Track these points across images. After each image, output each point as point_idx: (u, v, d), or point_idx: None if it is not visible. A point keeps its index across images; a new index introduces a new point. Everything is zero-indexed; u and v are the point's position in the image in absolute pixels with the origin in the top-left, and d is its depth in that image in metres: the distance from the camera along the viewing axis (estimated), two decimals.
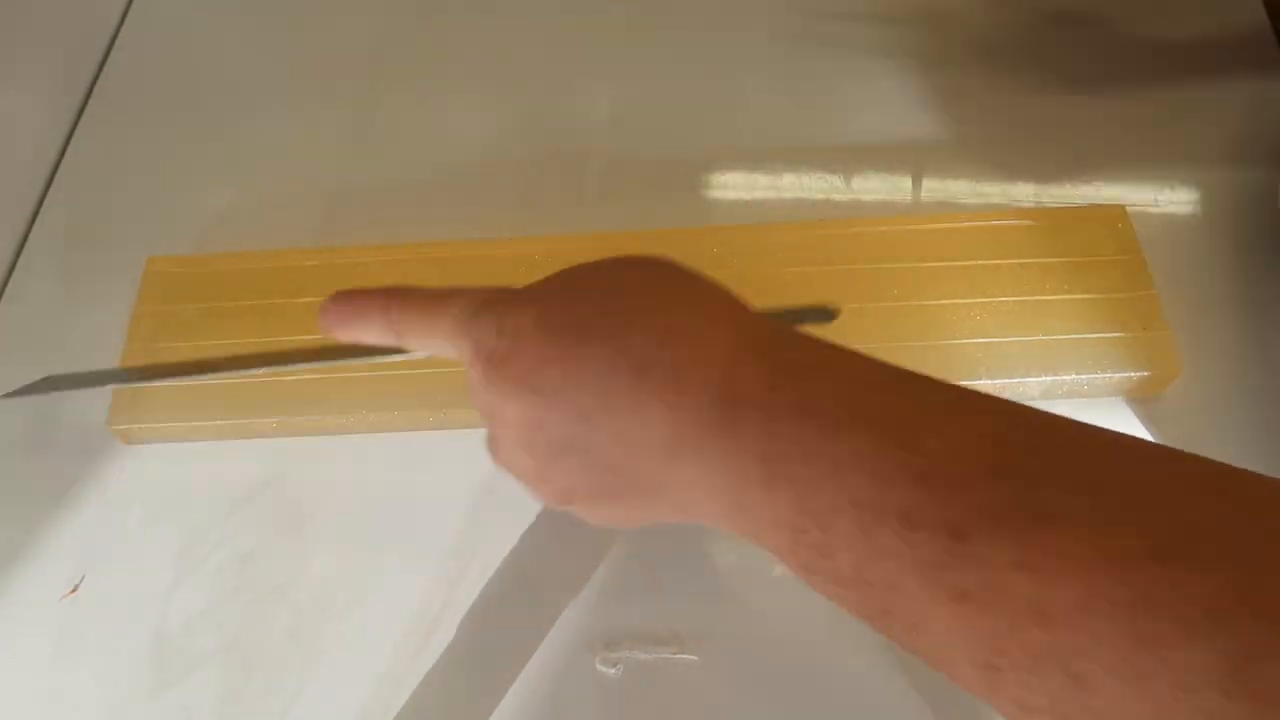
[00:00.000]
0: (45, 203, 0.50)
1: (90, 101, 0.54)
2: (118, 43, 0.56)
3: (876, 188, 0.47)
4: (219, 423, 0.41)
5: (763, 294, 0.28)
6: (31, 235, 0.49)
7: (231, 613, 0.38)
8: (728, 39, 0.53)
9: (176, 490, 0.41)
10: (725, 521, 0.24)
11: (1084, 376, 0.40)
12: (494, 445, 0.28)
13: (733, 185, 0.49)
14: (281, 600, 0.38)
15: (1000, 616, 0.19)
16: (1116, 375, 0.40)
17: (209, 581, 0.39)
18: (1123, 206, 0.43)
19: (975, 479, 0.20)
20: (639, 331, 0.24)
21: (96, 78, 0.55)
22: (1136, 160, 0.47)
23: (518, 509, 0.39)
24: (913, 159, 0.48)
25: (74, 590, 0.39)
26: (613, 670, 0.36)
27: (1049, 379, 0.40)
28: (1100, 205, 0.44)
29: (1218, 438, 0.40)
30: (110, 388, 0.41)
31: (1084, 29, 0.51)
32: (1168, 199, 0.46)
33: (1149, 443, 0.21)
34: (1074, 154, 0.47)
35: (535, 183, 0.49)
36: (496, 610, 0.38)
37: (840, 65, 0.51)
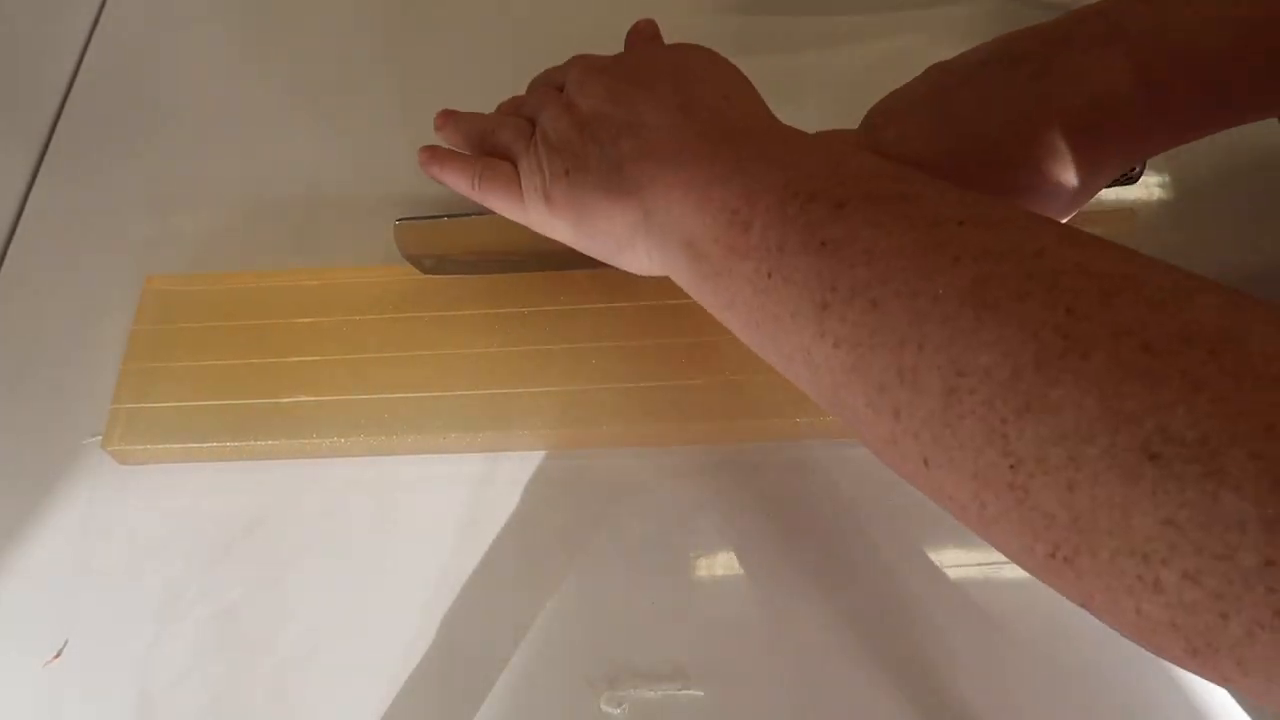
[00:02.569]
0: (18, 230, 0.49)
1: (56, 130, 0.53)
2: (83, 67, 0.55)
3: None
4: (215, 444, 0.40)
5: None
6: (7, 261, 0.49)
7: (215, 670, 0.37)
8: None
9: (158, 536, 0.40)
10: (678, 228, 0.31)
11: None
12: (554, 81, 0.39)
13: None
14: (264, 653, 0.37)
15: (842, 258, 0.26)
16: None
17: (191, 638, 0.38)
18: (1131, 209, 0.43)
19: (869, 178, 0.28)
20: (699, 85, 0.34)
21: (63, 104, 0.54)
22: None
23: (501, 540, 0.39)
24: None
25: (57, 656, 0.38)
26: (617, 710, 0.35)
27: None
28: (1107, 209, 0.43)
29: None
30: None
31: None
32: (1158, 197, 0.45)
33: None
34: None
35: None
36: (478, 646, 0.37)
37: (826, 60, 0.50)
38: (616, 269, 0.35)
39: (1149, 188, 0.47)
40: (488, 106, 0.52)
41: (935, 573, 0.37)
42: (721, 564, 0.38)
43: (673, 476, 0.40)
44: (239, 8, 0.57)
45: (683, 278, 0.32)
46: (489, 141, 0.39)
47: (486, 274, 0.43)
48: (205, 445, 0.40)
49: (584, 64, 0.37)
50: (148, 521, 0.41)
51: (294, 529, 0.40)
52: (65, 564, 0.40)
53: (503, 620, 0.37)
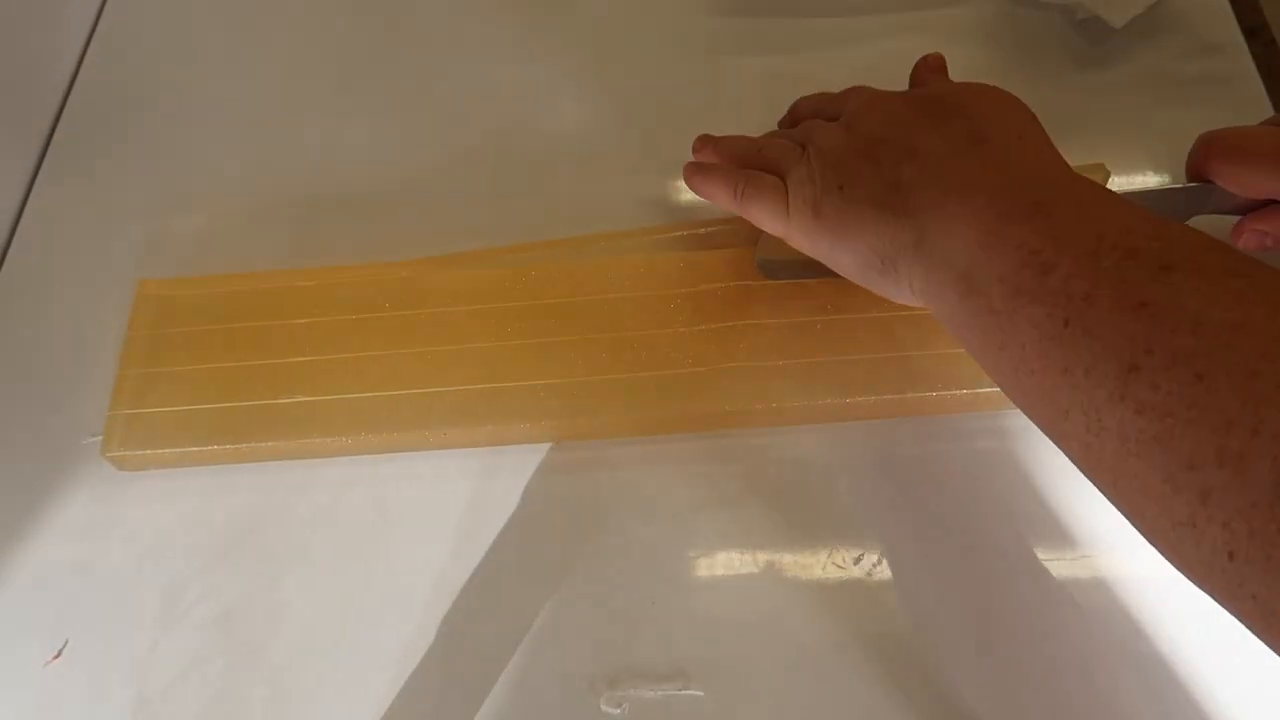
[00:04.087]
0: (15, 237, 0.49)
1: (56, 133, 0.53)
2: (80, 73, 0.55)
3: None
4: (215, 448, 0.40)
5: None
6: (7, 261, 0.49)
7: (215, 670, 0.37)
8: (686, 41, 0.52)
9: (158, 543, 0.40)
10: (956, 258, 0.30)
11: None
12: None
13: None
14: (264, 653, 0.37)
15: (1163, 323, 0.24)
16: None
17: (191, 638, 0.38)
18: (1102, 164, 0.43)
19: (1195, 248, 0.26)
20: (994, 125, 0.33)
21: (62, 107, 0.53)
22: (1120, 155, 0.46)
23: (501, 540, 0.39)
24: None
25: (57, 656, 0.37)
26: (617, 710, 0.35)
27: None
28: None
29: None
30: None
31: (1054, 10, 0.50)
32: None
33: None
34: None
35: (508, 187, 0.48)
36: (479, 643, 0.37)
37: (826, 60, 0.50)
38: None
39: (1148, 188, 0.47)
40: (488, 108, 0.52)
41: (936, 571, 0.37)
42: (721, 564, 0.38)
43: (673, 469, 0.40)
44: (238, 8, 0.57)
45: (947, 311, 0.31)
46: (755, 158, 0.38)
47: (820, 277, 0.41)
48: (205, 449, 0.40)
49: (868, 93, 0.37)
50: (148, 522, 0.41)
51: (293, 529, 0.40)
52: (65, 564, 0.40)
53: (503, 620, 0.37)
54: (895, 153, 0.33)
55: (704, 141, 0.42)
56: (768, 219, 0.37)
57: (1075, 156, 0.46)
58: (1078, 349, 0.26)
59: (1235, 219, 0.39)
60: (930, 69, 0.40)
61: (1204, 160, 0.37)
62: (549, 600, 0.38)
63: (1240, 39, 0.48)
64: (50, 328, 0.46)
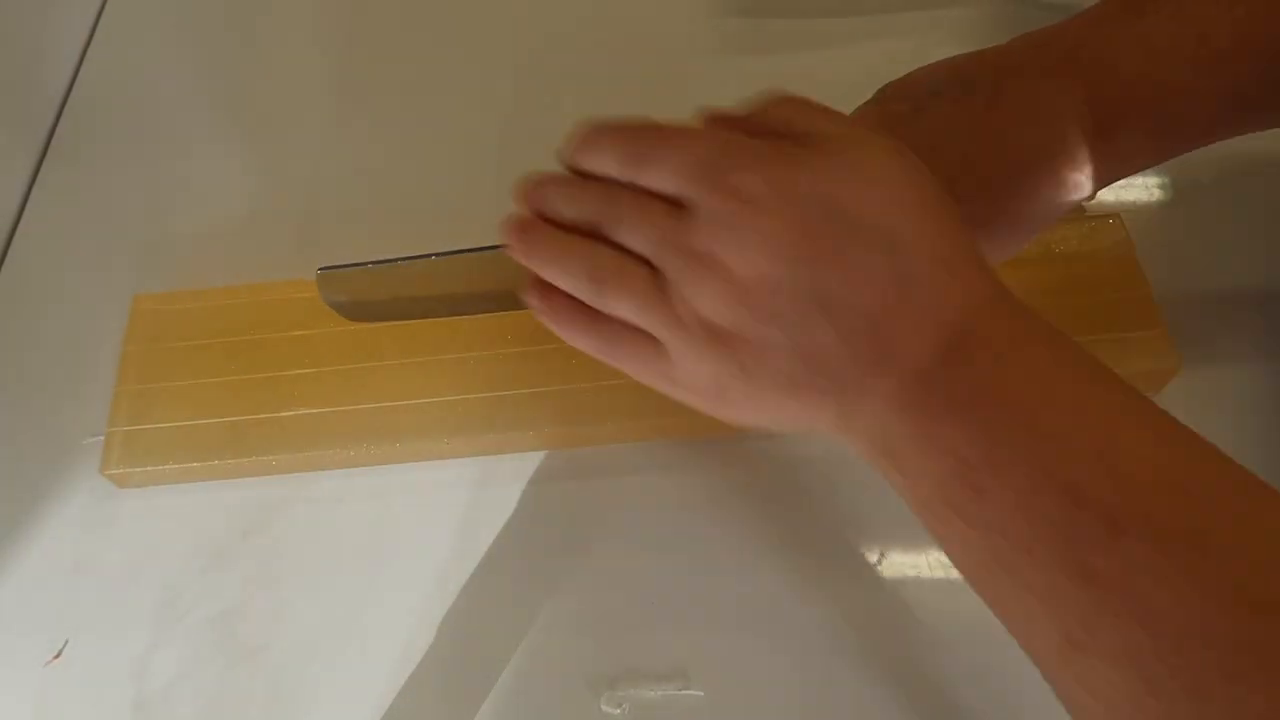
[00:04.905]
0: (13, 246, 0.49)
1: (52, 141, 0.53)
2: (77, 83, 0.55)
3: None
4: (215, 463, 0.40)
5: None
6: (6, 265, 0.49)
7: (214, 670, 0.37)
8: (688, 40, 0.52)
9: (158, 543, 0.40)
10: (885, 442, 0.26)
11: None
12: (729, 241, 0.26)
13: None
14: (263, 654, 0.37)
15: (1107, 606, 0.21)
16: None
17: (190, 639, 0.38)
18: (1118, 214, 0.43)
19: (1152, 487, 0.22)
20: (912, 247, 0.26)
21: (58, 117, 0.53)
22: None
23: (501, 541, 0.39)
24: None
25: (57, 656, 0.37)
26: (617, 710, 0.35)
27: None
28: (1094, 217, 0.44)
29: (1217, 436, 0.40)
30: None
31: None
32: (1157, 196, 0.46)
33: None
34: None
35: (508, 193, 0.48)
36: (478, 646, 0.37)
37: (826, 61, 0.50)
38: None
39: (1148, 189, 0.47)
40: (487, 113, 0.51)
41: (937, 572, 0.37)
42: (722, 563, 0.38)
43: (673, 473, 0.40)
44: (237, 13, 0.57)
45: (881, 472, 0.27)
46: (603, 308, 0.29)
47: (415, 319, 0.38)
48: (203, 464, 0.40)
49: (724, 189, 0.26)
50: (148, 523, 0.41)
51: (294, 530, 0.40)
52: (65, 565, 0.40)
53: (503, 620, 0.37)
54: (797, 308, 0.25)
55: (520, 236, 0.30)
56: (651, 383, 0.30)
57: None
58: (1014, 597, 0.24)
59: None
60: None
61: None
62: (549, 601, 0.38)
63: None
64: (50, 328, 0.46)
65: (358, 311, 0.38)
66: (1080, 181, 0.32)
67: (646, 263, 0.28)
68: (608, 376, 0.40)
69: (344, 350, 0.42)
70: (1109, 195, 0.45)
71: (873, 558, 0.37)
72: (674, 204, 0.27)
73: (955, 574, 0.36)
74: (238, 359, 0.42)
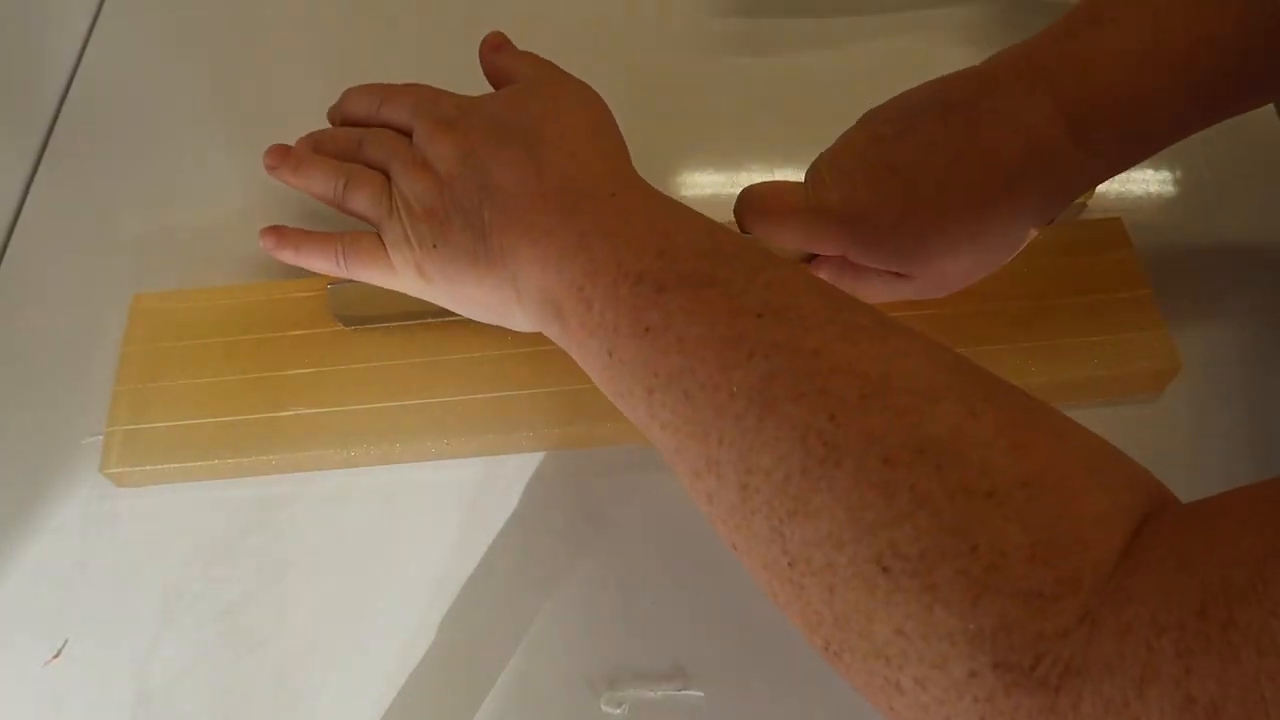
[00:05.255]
0: (11, 245, 0.49)
1: (50, 140, 0.53)
2: (75, 82, 0.55)
3: None
4: (214, 463, 0.40)
5: None
6: (6, 261, 0.49)
7: (214, 670, 0.37)
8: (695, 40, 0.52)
9: (158, 542, 0.40)
10: (545, 299, 0.32)
11: (1083, 376, 0.40)
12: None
13: (711, 186, 0.49)
14: (264, 653, 0.37)
15: (659, 346, 0.27)
16: (1115, 374, 0.40)
17: (191, 639, 0.38)
18: (1118, 214, 0.43)
19: (689, 257, 0.29)
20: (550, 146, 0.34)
21: (56, 116, 0.53)
22: None
23: (501, 541, 0.39)
24: None
25: (57, 655, 0.37)
26: (617, 710, 0.35)
27: (1047, 381, 0.40)
28: (1095, 219, 0.44)
29: (1217, 435, 0.40)
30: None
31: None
32: (1157, 195, 0.45)
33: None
34: None
35: None
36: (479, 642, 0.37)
37: (826, 61, 0.50)
38: None
39: (1148, 189, 0.47)
40: None
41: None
42: (721, 564, 0.38)
43: (672, 474, 0.40)
44: (237, 12, 0.57)
45: (556, 341, 0.33)
46: (344, 204, 0.37)
47: (408, 324, 0.42)
48: (203, 464, 0.40)
49: (430, 111, 0.36)
50: (148, 521, 0.41)
51: (295, 527, 0.40)
52: (65, 564, 0.40)
53: (503, 620, 0.37)
54: (472, 192, 0.33)
55: (278, 157, 0.39)
56: (379, 279, 0.37)
57: None
58: (620, 375, 0.29)
59: None
60: (490, 47, 0.39)
61: (738, 217, 0.38)
62: (549, 601, 0.38)
63: None
64: (50, 327, 0.46)
65: (366, 325, 0.41)
66: (1060, 189, 0.35)
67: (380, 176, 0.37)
68: None
69: (344, 350, 0.42)
70: (1109, 196, 0.45)
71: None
72: (403, 134, 0.37)
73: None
74: (238, 358, 0.42)
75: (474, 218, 0.33)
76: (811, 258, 0.37)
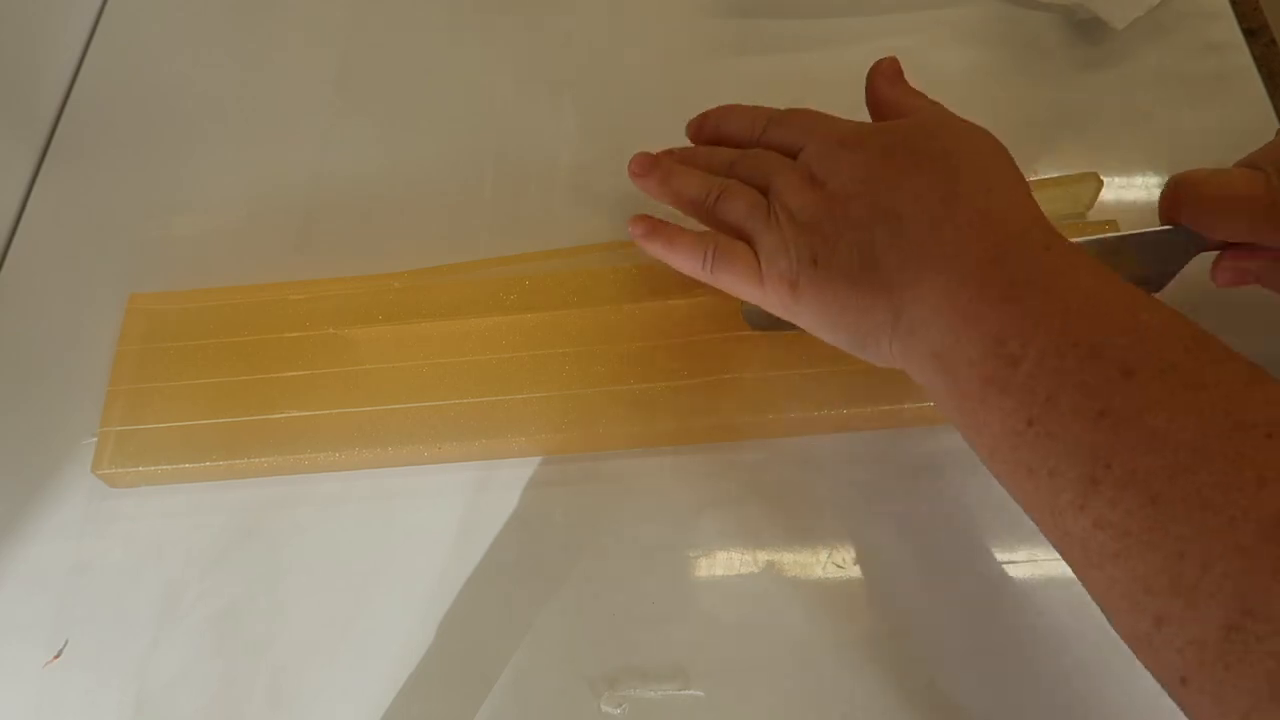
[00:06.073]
0: (14, 244, 0.49)
1: (53, 141, 0.53)
2: (77, 83, 0.55)
3: None
4: (207, 464, 0.40)
5: None
6: (6, 264, 0.49)
7: (214, 670, 0.37)
8: (692, 43, 0.52)
9: (157, 543, 0.40)
10: (928, 338, 0.30)
11: None
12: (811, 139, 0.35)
13: None
14: (263, 653, 0.38)
15: (1123, 438, 0.24)
16: None
17: (191, 639, 0.38)
18: (1114, 219, 0.43)
19: (1163, 342, 0.26)
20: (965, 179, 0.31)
21: (59, 117, 0.53)
22: (1120, 156, 0.46)
23: (501, 541, 0.39)
24: None
25: (57, 656, 0.38)
26: (617, 710, 0.35)
27: None
28: (1091, 223, 0.43)
29: None
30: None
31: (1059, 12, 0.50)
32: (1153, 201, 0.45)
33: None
34: (1054, 149, 0.46)
35: (508, 197, 0.48)
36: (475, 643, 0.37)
37: (826, 61, 0.50)
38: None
39: (1147, 192, 0.47)
40: (484, 116, 0.51)
41: (937, 572, 0.37)
42: (721, 564, 0.38)
43: (671, 476, 0.40)
44: (238, 13, 0.57)
45: (925, 382, 0.31)
46: (715, 212, 0.36)
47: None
48: (197, 466, 0.40)
49: (825, 132, 0.35)
50: (147, 521, 0.41)
51: (294, 528, 0.40)
52: (65, 564, 0.40)
53: (502, 620, 0.37)
54: (868, 214, 0.32)
55: (647, 167, 0.38)
56: (741, 290, 0.35)
57: (1075, 158, 0.46)
58: (1040, 450, 0.26)
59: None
60: (886, 78, 0.37)
61: (1173, 206, 0.35)
62: (549, 601, 0.38)
63: (1240, 39, 0.48)
64: (49, 327, 0.46)
65: (773, 330, 0.39)
66: None
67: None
68: (608, 382, 0.40)
69: (339, 353, 0.41)
70: (1108, 199, 0.45)
71: (872, 557, 0.37)
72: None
73: (955, 575, 0.37)
74: (232, 360, 0.42)
75: (865, 240, 0.31)
76: (1226, 246, 0.36)
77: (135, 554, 0.40)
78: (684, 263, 0.36)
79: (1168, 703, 0.26)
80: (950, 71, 0.49)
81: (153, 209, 0.49)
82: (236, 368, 0.41)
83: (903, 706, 0.35)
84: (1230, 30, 0.49)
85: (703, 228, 0.37)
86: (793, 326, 0.36)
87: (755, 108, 0.39)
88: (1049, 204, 0.33)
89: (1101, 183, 0.43)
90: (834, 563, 0.37)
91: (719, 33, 0.53)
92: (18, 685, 0.37)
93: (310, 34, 0.56)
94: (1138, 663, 0.34)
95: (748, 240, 0.35)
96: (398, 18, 0.55)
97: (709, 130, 0.40)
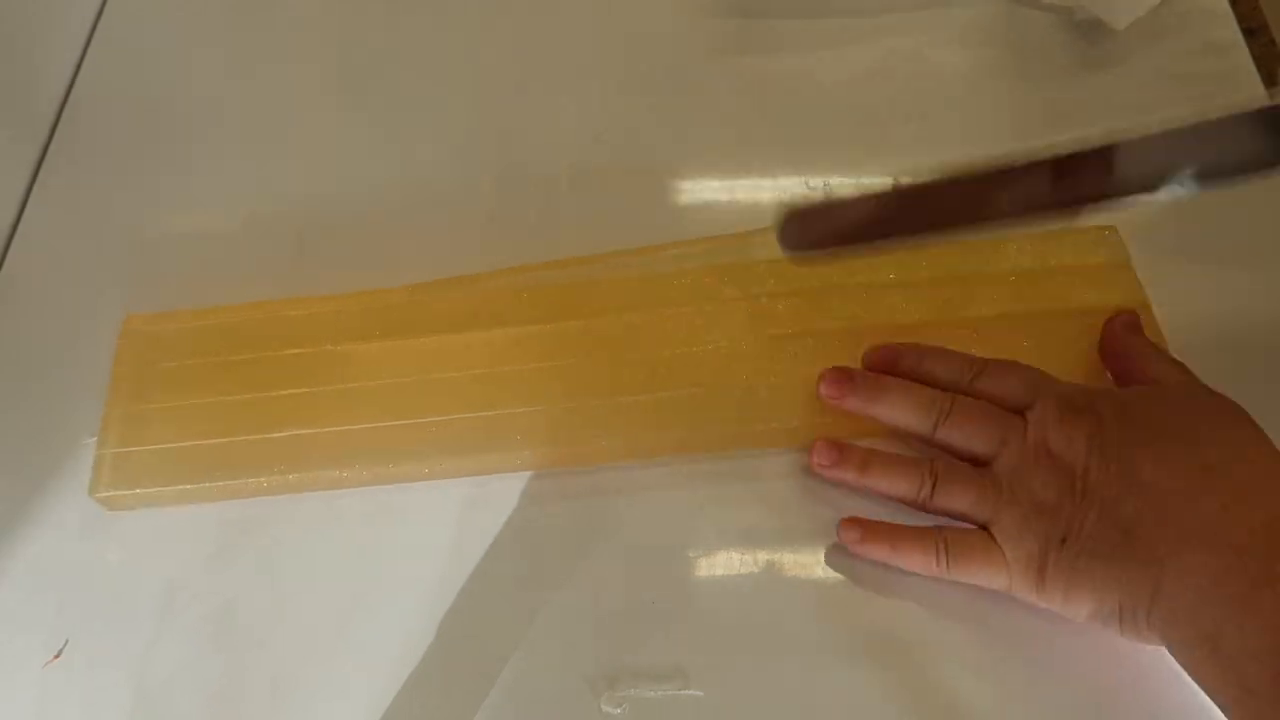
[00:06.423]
0: (13, 244, 0.49)
1: (52, 142, 0.52)
2: (77, 84, 0.55)
3: None
4: (207, 485, 0.40)
5: None
6: (6, 266, 0.48)
7: (214, 670, 0.37)
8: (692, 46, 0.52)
9: (158, 543, 0.40)
10: (1199, 620, 0.28)
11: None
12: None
13: (712, 192, 0.48)
14: (263, 653, 0.37)
15: None
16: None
17: (191, 639, 0.38)
18: (1113, 225, 0.42)
19: None
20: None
21: (58, 118, 0.53)
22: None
23: (501, 542, 0.39)
24: (895, 168, 0.47)
25: (57, 656, 0.37)
26: (617, 710, 0.35)
27: None
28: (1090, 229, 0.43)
29: None
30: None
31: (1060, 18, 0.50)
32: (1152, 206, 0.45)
33: None
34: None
35: (508, 202, 0.48)
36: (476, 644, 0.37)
37: (826, 61, 0.50)
38: None
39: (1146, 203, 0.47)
40: (487, 117, 0.51)
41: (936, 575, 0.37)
42: (721, 564, 0.38)
43: (671, 482, 0.40)
44: (238, 18, 0.57)
45: (1188, 663, 0.29)
46: (935, 504, 0.35)
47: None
48: (195, 487, 0.40)
49: (1057, 395, 0.33)
50: (147, 521, 0.41)
51: (294, 528, 0.40)
52: (64, 564, 0.40)
53: (502, 619, 0.37)
54: (1115, 487, 0.31)
55: (840, 457, 0.36)
56: (984, 578, 0.34)
57: None
58: None
59: None
60: (1128, 329, 0.36)
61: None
62: (548, 600, 0.38)
63: (1240, 39, 0.48)
64: (48, 327, 0.46)
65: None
66: None
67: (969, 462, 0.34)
68: (604, 395, 0.40)
69: (338, 369, 0.41)
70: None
71: (870, 560, 0.37)
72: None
73: (955, 577, 0.36)
74: (229, 379, 0.41)
75: (1114, 512, 0.30)
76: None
77: (136, 554, 0.40)
78: (914, 563, 0.35)
79: (1171, 690, 0.26)
80: (950, 71, 0.49)
81: (152, 210, 0.49)
82: (234, 387, 0.41)
83: (903, 707, 0.35)
84: (1230, 30, 0.49)
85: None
86: (832, 250, 0.32)
87: (957, 353, 0.37)
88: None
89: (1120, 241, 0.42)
90: (834, 562, 0.37)
91: (719, 33, 0.53)
92: (18, 685, 0.37)
93: (310, 35, 0.56)
94: (1138, 657, 0.34)
95: (975, 522, 0.34)
96: (398, 22, 0.55)
97: (907, 366, 0.37)
